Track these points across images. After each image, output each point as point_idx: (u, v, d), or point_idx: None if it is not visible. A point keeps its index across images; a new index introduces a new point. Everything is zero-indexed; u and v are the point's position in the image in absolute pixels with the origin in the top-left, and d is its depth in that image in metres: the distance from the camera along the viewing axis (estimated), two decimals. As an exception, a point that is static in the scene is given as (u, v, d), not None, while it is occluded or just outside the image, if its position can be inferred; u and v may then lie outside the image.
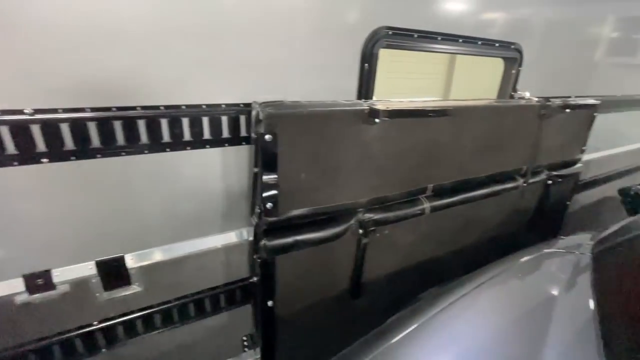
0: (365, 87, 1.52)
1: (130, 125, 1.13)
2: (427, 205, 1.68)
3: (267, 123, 1.15)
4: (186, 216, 1.37)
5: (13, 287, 1.13)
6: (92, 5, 0.97)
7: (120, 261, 1.28)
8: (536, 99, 1.95)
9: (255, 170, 1.26)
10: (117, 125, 1.11)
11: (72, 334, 1.29)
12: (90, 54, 1.01)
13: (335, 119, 1.29)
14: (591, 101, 2.23)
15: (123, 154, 1.15)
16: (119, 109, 1.10)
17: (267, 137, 1.17)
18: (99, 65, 1.03)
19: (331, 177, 1.37)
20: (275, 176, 1.23)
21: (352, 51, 1.45)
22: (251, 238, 1.52)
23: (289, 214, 1.32)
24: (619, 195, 2.45)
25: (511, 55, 1.93)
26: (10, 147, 0.99)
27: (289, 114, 1.19)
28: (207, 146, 1.29)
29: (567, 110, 2.04)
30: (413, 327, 1.31)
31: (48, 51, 0.96)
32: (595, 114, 2.27)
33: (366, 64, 1.47)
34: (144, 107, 1.13)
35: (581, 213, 3.13)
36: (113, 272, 1.28)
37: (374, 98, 1.56)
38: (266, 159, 1.20)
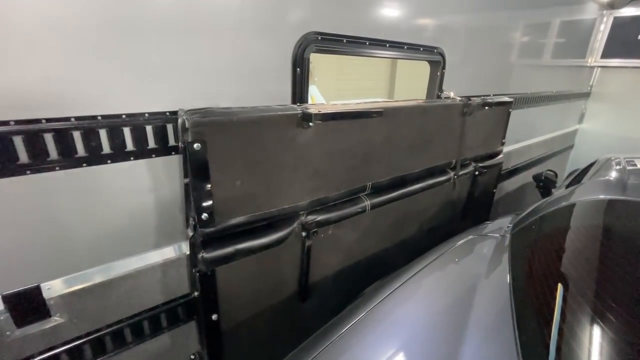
0: (299, 91, 1.54)
1: (34, 139, 1.01)
2: (367, 202, 1.75)
3: (195, 131, 1.11)
4: (115, 234, 1.27)
5: None
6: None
7: (34, 292, 1.14)
8: (459, 98, 2.13)
9: (186, 180, 1.21)
10: (18, 141, 0.99)
11: (-22, 382, 1.12)
12: None
13: (269, 124, 1.28)
14: (506, 98, 2.50)
15: (28, 172, 1.03)
16: (17, 122, 0.98)
17: (196, 145, 1.13)
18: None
19: (269, 182, 1.36)
20: (208, 185, 1.20)
21: (284, 55, 1.46)
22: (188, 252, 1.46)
23: (227, 223, 1.28)
24: (534, 181, 2.78)
25: (435, 59, 2.10)
26: None
27: (218, 121, 1.16)
28: (132, 158, 1.21)
29: (486, 107, 2.26)
30: (354, 321, 1.35)
31: None
32: (510, 110, 2.54)
33: (298, 69, 1.49)
34: (48, 120, 1.03)
35: (506, 199, 3.50)
36: (26, 305, 1.14)
37: (310, 101, 1.59)
38: (196, 169, 1.16)
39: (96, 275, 1.27)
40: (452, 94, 2.19)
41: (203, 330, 1.42)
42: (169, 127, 1.25)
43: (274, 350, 1.68)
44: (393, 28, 1.80)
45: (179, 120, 1.18)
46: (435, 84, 2.19)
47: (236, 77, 1.36)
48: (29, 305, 1.14)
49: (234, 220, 1.30)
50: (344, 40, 1.61)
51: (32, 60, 0.96)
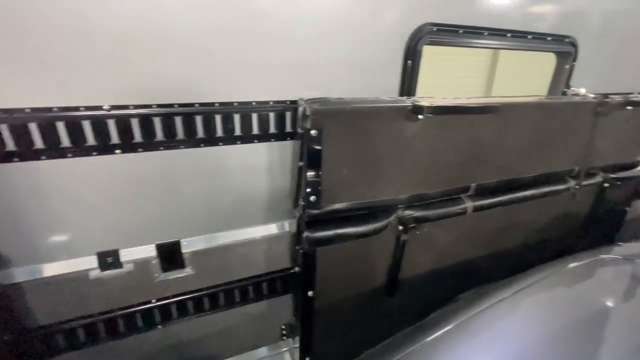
0: (408, 84, 1.52)
1: (188, 120, 1.23)
2: (469, 204, 1.64)
3: (314, 119, 1.20)
4: (233, 206, 1.47)
5: (88, 263, 1.28)
6: (150, 14, 1.08)
7: (176, 246, 1.40)
8: (592, 96, 1.83)
9: (300, 164, 1.32)
10: (178, 121, 1.22)
11: (134, 309, 1.43)
12: (154, 57, 1.12)
13: (379, 115, 1.31)
14: (657, 98, 2.04)
15: (182, 147, 1.26)
16: (180, 105, 1.20)
17: (313, 132, 1.22)
18: (161, 67, 1.14)
19: (373, 172, 1.39)
20: (319, 170, 1.28)
21: (395, 48, 1.46)
22: (292, 230, 1.59)
23: (331, 207, 1.36)
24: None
25: (565, 50, 1.83)
26: (90, 139, 1.13)
27: (334, 110, 1.23)
28: (256, 141, 1.37)
29: (629, 107, 1.89)
30: (450, 326, 1.30)
31: (118, 55, 1.08)
32: (661, 111, 2.07)
33: (409, 61, 1.48)
34: (201, 104, 1.23)
35: (642, 220, 2.87)
36: (170, 255, 1.40)
37: (417, 95, 1.56)
38: (311, 154, 1.25)
39: (216, 240, 1.49)
40: (582, 91, 1.89)
41: (299, 304, 1.54)
42: (287, 114, 1.38)
43: (357, 336, 1.73)
44: (516, 15, 1.64)
45: (300, 109, 1.29)
46: (562, 78, 1.92)
47: (346, 70, 1.42)
48: (171, 256, 1.40)
49: (338, 206, 1.37)
50: (460, 31, 1.53)
51: (188, 61, 1.17)
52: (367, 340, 1.49)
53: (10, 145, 1.05)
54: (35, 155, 1.08)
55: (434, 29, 1.46)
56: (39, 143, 1.07)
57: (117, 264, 1.32)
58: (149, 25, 1.08)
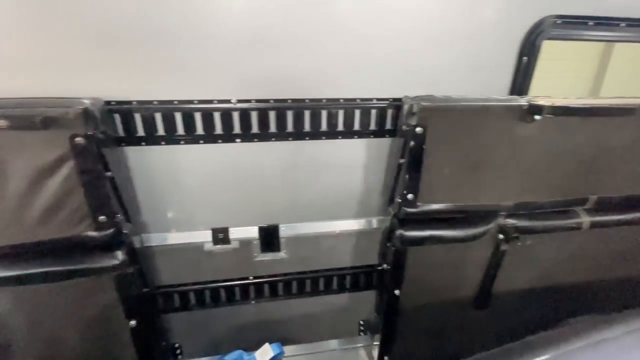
0: (520, 83, 1.41)
1: (298, 115, 1.33)
2: (586, 219, 1.45)
3: (420, 116, 1.19)
4: (328, 198, 1.53)
5: (204, 237, 1.47)
6: (264, 15, 1.19)
7: (275, 230, 1.52)
8: None
9: (401, 161, 1.32)
10: (289, 115, 1.33)
11: (234, 282, 1.59)
12: (272, 56, 1.23)
13: (490, 114, 1.24)
14: None
15: (290, 139, 1.37)
16: (293, 100, 1.31)
17: (418, 129, 1.21)
18: (278, 65, 1.25)
19: (476, 175, 1.32)
20: (420, 168, 1.27)
21: (508, 44, 1.36)
22: (382, 227, 1.59)
23: (428, 208, 1.33)
24: None
25: None
26: (218, 128, 1.30)
27: (441, 108, 1.21)
28: (356, 137, 1.41)
29: None
30: (558, 351, 1.16)
31: (241, 56, 1.22)
32: None
33: (524, 58, 1.37)
34: (311, 100, 1.32)
35: None
36: (269, 238, 1.53)
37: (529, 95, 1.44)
38: (414, 151, 1.24)
39: (312, 228, 1.57)
40: None
41: (383, 302, 1.54)
42: (389, 112, 1.39)
43: (441, 345, 1.66)
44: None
45: (405, 106, 1.30)
46: None
47: (452, 68, 1.37)
48: (270, 239, 1.53)
49: (435, 206, 1.33)
50: (591, 23, 1.36)
51: (301, 59, 1.25)
52: (450, 352, 1.43)
53: (160, 130, 1.26)
54: (177, 140, 1.28)
55: (558, 21, 1.32)
56: (180, 130, 1.27)
57: (226, 240, 1.49)
58: (274, 26, 1.19)
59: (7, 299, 1.17)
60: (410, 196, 1.30)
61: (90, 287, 1.22)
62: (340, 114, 1.36)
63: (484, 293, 1.57)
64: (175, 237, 1.45)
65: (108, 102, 1.17)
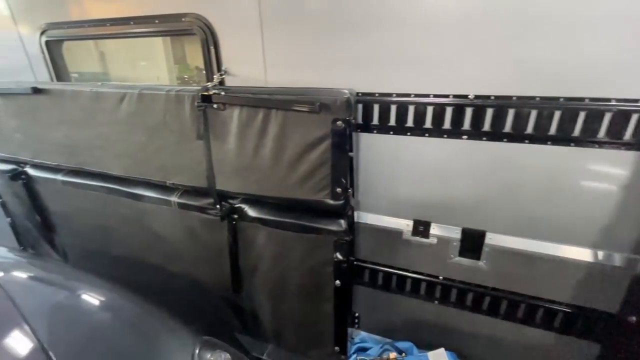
0: None
1: (543, 115, 1.17)
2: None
3: None
4: (557, 217, 1.30)
5: (405, 225, 1.54)
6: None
7: (481, 236, 1.42)
8: None
9: None
10: (533, 115, 1.18)
11: (422, 277, 1.61)
12: (515, 48, 1.11)
13: None
14: None
15: (527, 141, 1.22)
16: (542, 99, 1.15)
17: None
18: (523, 57, 1.12)
19: None
20: None
21: None
22: (628, 267, 1.23)
23: None
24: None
25: None
26: (447, 123, 1.30)
27: None
28: (597, 146, 1.14)
29: None
30: None
31: (480, 49, 1.15)
32: None
33: None
34: (566, 99, 1.13)
35: None
36: (471, 243, 1.45)
37: None
38: None
39: (527, 245, 1.38)
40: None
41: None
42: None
43: None
44: None
45: None
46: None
47: None
48: (472, 244, 1.45)
49: None
50: None
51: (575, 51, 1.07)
52: None
53: (392, 121, 1.38)
54: (405, 131, 1.37)
55: None
56: (410, 122, 1.35)
57: (425, 234, 1.51)
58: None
59: (262, 235, 1.59)
60: None
61: (314, 244, 1.49)
62: (607, 118, 1.11)
63: None
64: (380, 220, 1.58)
65: (357, 93, 1.37)
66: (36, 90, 1.74)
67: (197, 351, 1.21)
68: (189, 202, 1.64)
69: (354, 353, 1.78)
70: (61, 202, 2.10)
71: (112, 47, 2.90)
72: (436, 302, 1.63)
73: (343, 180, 1.34)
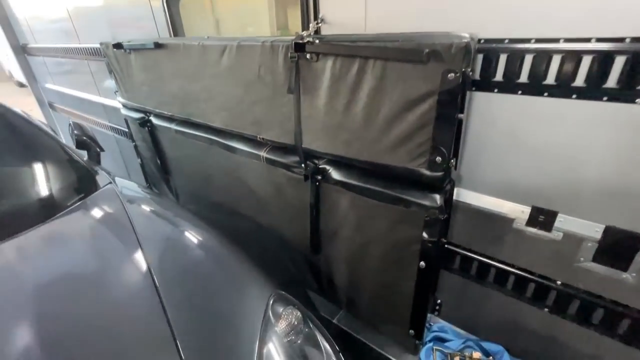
0: None
1: None
2: None
3: None
4: None
5: (519, 212, 1.24)
6: None
7: (634, 240, 1.05)
8: None
9: None
10: None
11: (532, 277, 1.31)
12: None
13: None
14: None
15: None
16: None
17: None
18: None
19: None
20: None
21: None
22: None
23: None
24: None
25: None
26: (612, 81, 0.93)
27: None
28: None
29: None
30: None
31: None
32: None
33: None
34: None
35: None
36: (616, 248, 1.09)
37: None
38: None
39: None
40: None
41: None
42: None
43: None
44: None
45: None
46: None
47: None
48: (617, 249, 1.08)
49: None
50: None
51: None
52: None
53: (524, 77, 1.06)
54: (541, 90, 1.04)
55: None
56: (551, 78, 1.02)
57: (547, 226, 1.20)
58: None
59: (345, 200, 1.50)
60: None
61: (401, 218, 1.33)
62: None
63: None
64: (485, 201, 1.31)
65: (478, 40, 1.08)
66: (157, 45, 1.93)
67: (271, 302, 1.24)
68: (276, 159, 1.64)
69: (430, 341, 1.62)
70: (175, 148, 2.38)
71: (222, 13, 3.05)
72: (546, 309, 1.33)
73: (445, 148, 1.12)
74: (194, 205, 2.59)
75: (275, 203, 1.83)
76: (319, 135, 1.43)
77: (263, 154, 1.69)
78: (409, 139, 1.17)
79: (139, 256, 1.35)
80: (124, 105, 2.59)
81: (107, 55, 2.41)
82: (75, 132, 2.21)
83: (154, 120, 2.35)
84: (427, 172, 1.18)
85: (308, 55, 1.30)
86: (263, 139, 1.66)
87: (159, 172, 2.69)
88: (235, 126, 1.77)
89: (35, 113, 4.63)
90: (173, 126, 2.19)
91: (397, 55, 1.09)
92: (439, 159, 1.14)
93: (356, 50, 1.17)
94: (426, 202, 1.22)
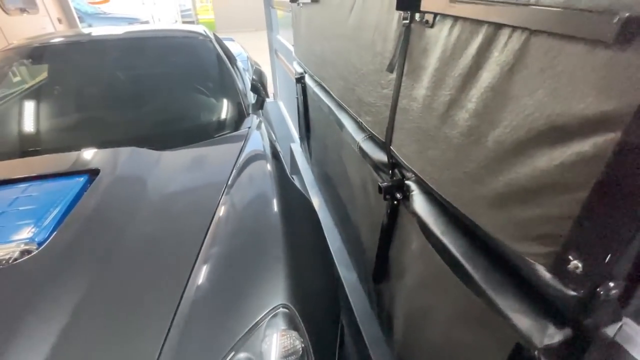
0: None
1: None
2: None
3: None
4: None
5: None
6: None
7: None
8: None
9: None
10: None
11: None
12: None
13: None
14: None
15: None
16: None
17: None
18: None
19: None
20: None
21: None
22: None
23: None
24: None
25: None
26: None
27: None
28: None
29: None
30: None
31: None
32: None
33: None
34: None
35: None
36: None
37: None
38: None
39: None
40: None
41: None
42: None
43: None
44: None
45: None
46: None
47: None
48: None
49: None
50: None
51: None
52: None
53: None
54: None
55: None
56: None
57: None
58: None
59: (423, 249, 1.02)
60: None
61: (490, 323, 0.77)
62: None
63: None
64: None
65: None
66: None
67: (276, 312, 1.05)
68: (367, 152, 1.29)
69: None
70: (313, 109, 2.36)
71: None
72: None
73: (609, 242, 0.49)
74: (315, 168, 2.58)
75: (359, 203, 1.52)
76: (407, 140, 0.98)
77: (359, 141, 1.37)
78: (541, 204, 0.58)
79: (216, 194, 1.36)
80: (296, 60, 2.75)
81: (292, 9, 2.54)
82: (254, 76, 2.53)
83: (306, 78, 2.37)
84: (547, 275, 0.58)
85: (422, 17, 0.83)
86: (361, 123, 1.33)
87: (304, 128, 2.80)
88: (345, 100, 1.50)
89: (264, 57, 5.75)
90: (312, 87, 2.14)
91: (558, 28, 0.50)
92: (577, 264, 0.52)
93: (493, 14, 0.63)
94: (531, 328, 0.62)
